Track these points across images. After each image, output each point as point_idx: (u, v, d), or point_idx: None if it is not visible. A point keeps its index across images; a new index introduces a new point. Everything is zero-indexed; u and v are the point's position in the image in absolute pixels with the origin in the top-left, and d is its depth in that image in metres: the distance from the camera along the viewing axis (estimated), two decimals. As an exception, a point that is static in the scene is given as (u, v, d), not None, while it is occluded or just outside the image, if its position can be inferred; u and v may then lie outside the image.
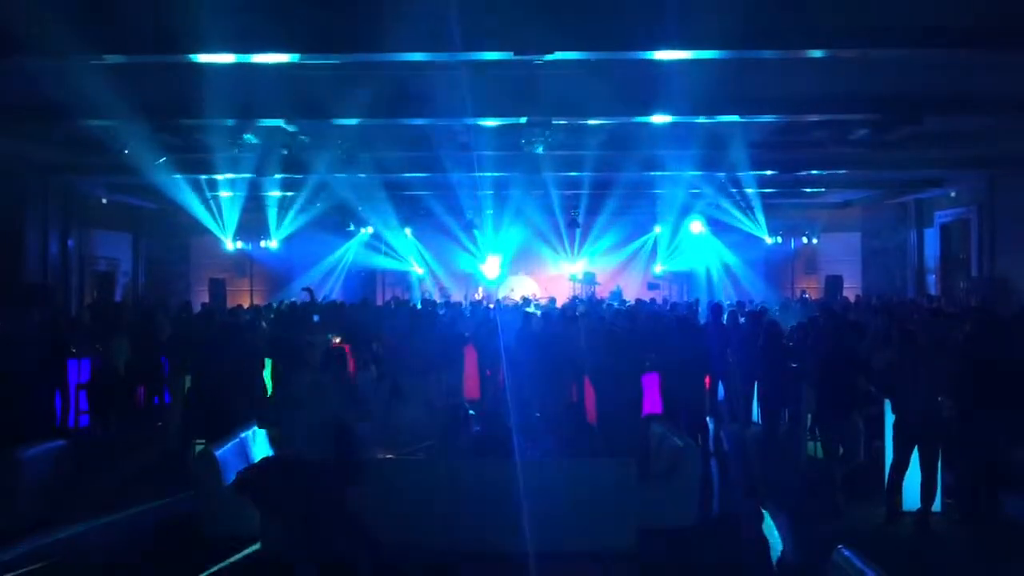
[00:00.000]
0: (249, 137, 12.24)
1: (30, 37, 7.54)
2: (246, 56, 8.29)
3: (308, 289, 13.34)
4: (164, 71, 9.55)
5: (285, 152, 13.04)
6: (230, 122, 11.51)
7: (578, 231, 22.94)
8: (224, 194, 18.72)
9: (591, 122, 11.78)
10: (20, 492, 7.33)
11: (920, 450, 7.28)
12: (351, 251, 23.76)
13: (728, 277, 23.29)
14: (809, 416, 9.36)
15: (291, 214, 21.00)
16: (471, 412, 8.74)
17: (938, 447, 7.31)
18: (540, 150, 11.82)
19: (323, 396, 6.17)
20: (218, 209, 20.03)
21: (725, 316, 11.82)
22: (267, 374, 10.39)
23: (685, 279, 24.69)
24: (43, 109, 10.63)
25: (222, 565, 6.38)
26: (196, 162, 14.11)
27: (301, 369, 6.59)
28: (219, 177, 16.09)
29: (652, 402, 9.66)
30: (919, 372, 7.28)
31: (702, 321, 12.81)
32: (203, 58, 8.29)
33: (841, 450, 7.90)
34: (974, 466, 7.31)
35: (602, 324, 11.84)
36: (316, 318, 14.87)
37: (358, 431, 6.47)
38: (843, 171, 16.12)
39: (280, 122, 11.46)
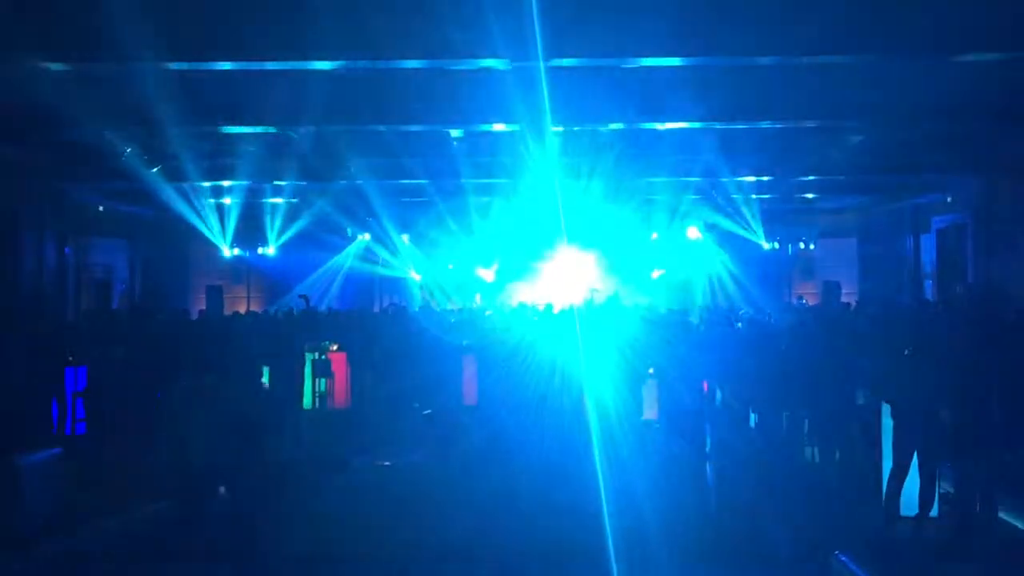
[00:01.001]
0: (246, 144, 12.24)
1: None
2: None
3: (304, 296, 13.29)
4: (157, 77, 9.51)
5: (282, 158, 13.04)
6: (227, 128, 11.50)
7: (576, 235, 22.89)
8: (225, 201, 18.70)
9: (592, 128, 11.79)
10: (19, 500, 7.32)
11: (919, 456, 7.27)
12: (349, 258, 23.73)
13: (725, 283, 23.27)
14: (806, 421, 9.36)
15: (289, 221, 20.98)
16: (468, 419, 8.76)
17: (937, 453, 7.30)
18: (542, 155, 11.84)
19: (206, 402, 5.97)
20: (215, 216, 19.98)
21: (722, 320, 11.81)
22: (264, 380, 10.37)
23: (681, 285, 24.65)
24: (38, 116, 10.62)
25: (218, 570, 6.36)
26: (192, 169, 14.08)
27: (175, 378, 6.31)
28: (218, 184, 16.08)
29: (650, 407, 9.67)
30: (917, 377, 7.28)
31: (699, 325, 12.79)
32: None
33: (838, 455, 7.90)
34: (972, 472, 7.31)
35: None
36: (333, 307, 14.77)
37: (265, 435, 6.30)
38: (840, 177, 16.13)
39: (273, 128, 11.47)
